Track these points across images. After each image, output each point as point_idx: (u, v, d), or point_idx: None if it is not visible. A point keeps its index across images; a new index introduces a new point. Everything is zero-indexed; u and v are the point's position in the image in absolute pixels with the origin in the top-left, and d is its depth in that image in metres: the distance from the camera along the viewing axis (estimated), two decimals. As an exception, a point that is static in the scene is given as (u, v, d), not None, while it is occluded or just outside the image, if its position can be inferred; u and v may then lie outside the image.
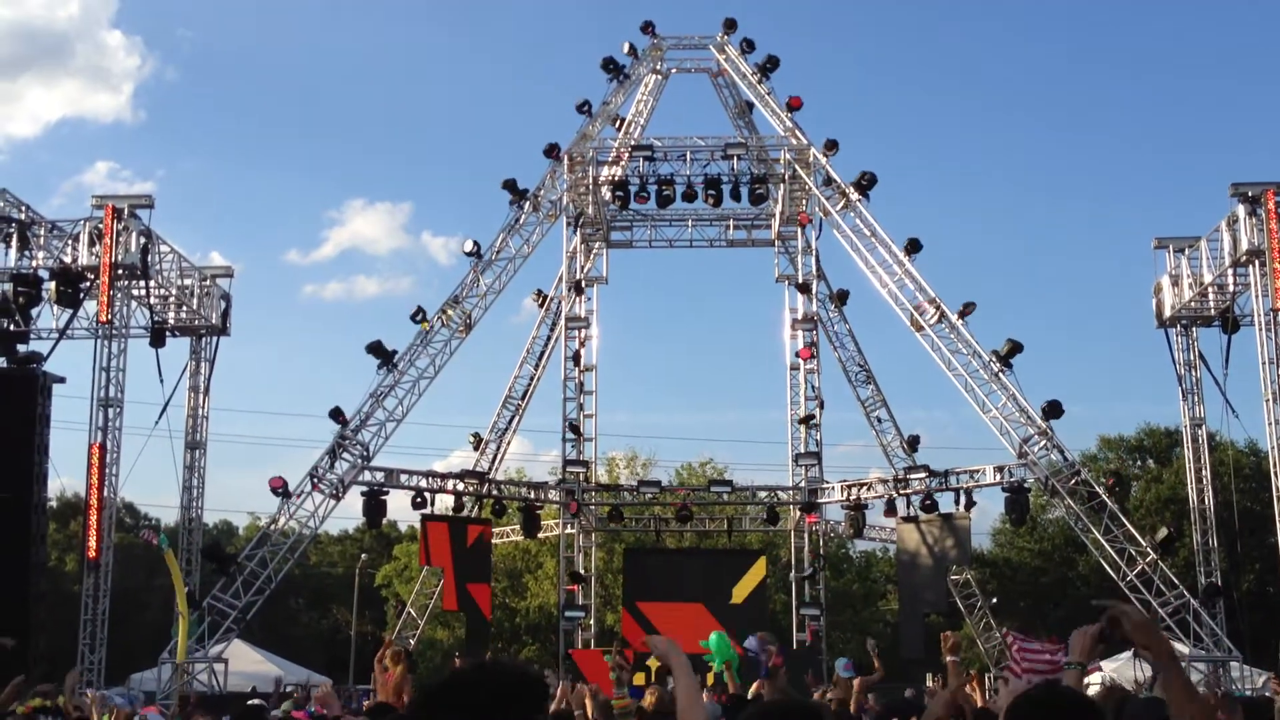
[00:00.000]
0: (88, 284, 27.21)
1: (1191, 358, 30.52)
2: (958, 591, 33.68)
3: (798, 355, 32.21)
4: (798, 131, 32.03)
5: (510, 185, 31.17)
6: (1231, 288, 28.34)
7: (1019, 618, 43.64)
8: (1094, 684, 13.39)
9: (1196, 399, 30.47)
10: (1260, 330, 26.36)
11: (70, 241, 27.42)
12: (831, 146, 31.26)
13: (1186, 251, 29.47)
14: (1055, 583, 51.31)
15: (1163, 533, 27.88)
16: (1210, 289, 28.85)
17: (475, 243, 30.80)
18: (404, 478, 29.81)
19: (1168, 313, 30.13)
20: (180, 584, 24.47)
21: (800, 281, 32.12)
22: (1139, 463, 55.27)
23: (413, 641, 32.86)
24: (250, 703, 12.88)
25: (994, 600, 36.08)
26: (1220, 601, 28.33)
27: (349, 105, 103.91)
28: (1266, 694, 22.55)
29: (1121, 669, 26.50)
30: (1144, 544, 27.05)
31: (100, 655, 26.33)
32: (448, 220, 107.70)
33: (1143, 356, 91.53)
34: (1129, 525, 27.51)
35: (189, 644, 25.38)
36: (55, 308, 27.29)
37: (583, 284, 32.66)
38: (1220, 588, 28.94)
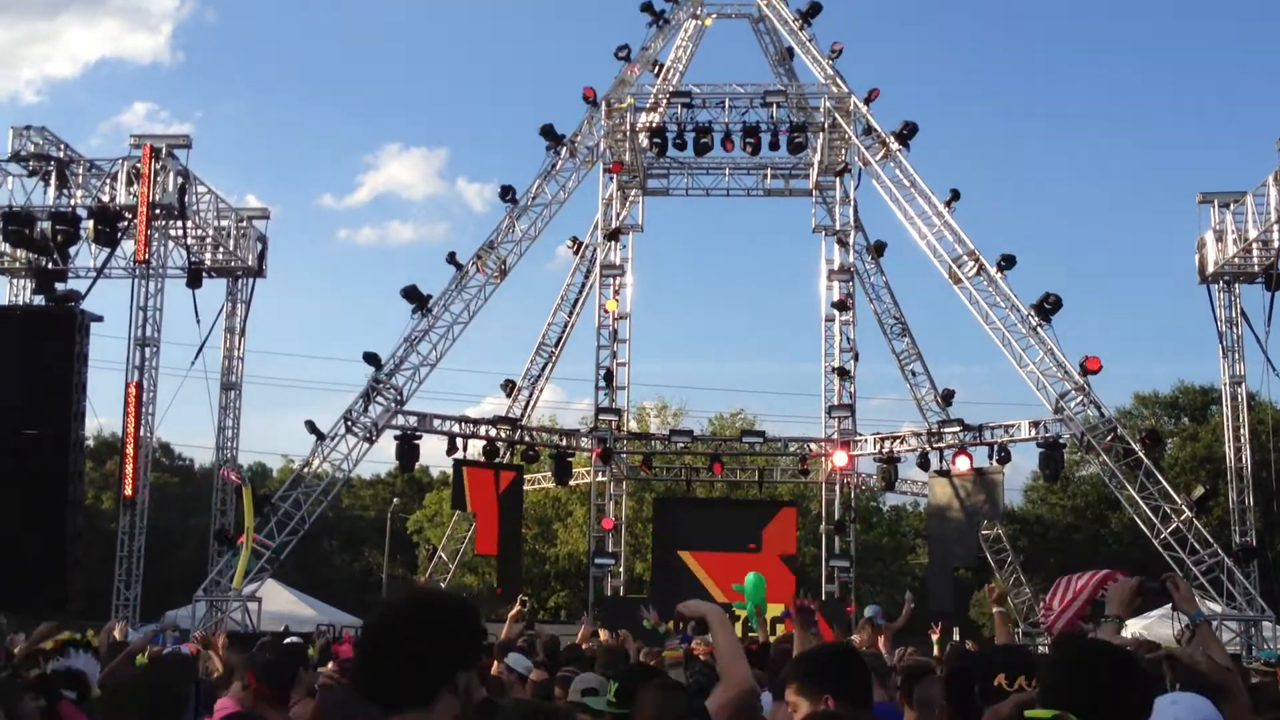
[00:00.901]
0: (125, 223, 27.29)
1: (1233, 315, 30.13)
2: (988, 547, 33.66)
3: (833, 307, 31.97)
4: (838, 79, 31.62)
5: (547, 131, 30.92)
6: (1276, 243, 27.87)
7: (1048, 574, 43.53)
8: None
9: (1237, 356, 30.12)
10: (1305, 287, 26.02)
11: (108, 181, 27.49)
12: (872, 95, 30.87)
13: (1231, 207, 29.00)
14: (1087, 540, 51.14)
15: (1199, 491, 27.68)
16: (1255, 245, 28.43)
17: (511, 187, 30.67)
18: (437, 422, 29.88)
19: (1210, 269, 29.70)
20: (250, 515, 24.66)
21: (837, 232, 31.86)
22: (1174, 421, 54.92)
23: (444, 586, 33.10)
24: (289, 640, 12.96)
25: (1023, 557, 36.05)
26: (1255, 561, 28.17)
27: (386, 49, 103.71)
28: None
29: (1153, 626, 26.39)
30: (1179, 501, 26.86)
31: (136, 592, 26.68)
32: (483, 167, 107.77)
33: (1180, 313, 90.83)
34: (1164, 483, 27.31)
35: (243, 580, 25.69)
36: (93, 246, 27.42)
37: (619, 231, 32.45)
38: (1255, 547, 28.77)
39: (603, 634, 16.81)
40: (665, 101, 31.84)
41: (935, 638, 12.02)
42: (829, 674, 4.54)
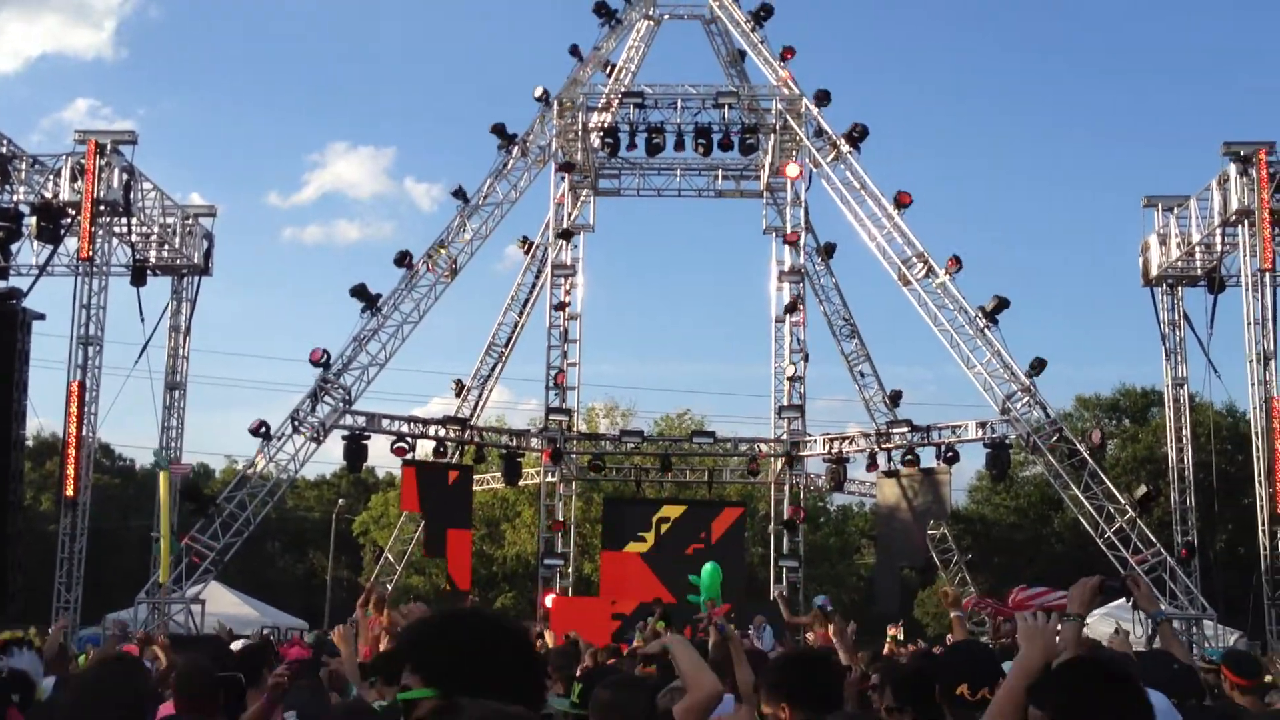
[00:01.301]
0: (69, 220, 26.83)
1: (1176, 317, 30.59)
2: (934, 546, 33.89)
3: (784, 309, 32.06)
4: (790, 81, 31.72)
5: (499, 130, 30.77)
6: (1219, 248, 28.35)
7: (993, 574, 44.00)
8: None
9: (1179, 359, 30.56)
10: (1246, 291, 26.45)
11: (52, 177, 27.01)
12: (823, 97, 30.97)
13: (1176, 210, 29.42)
14: (1030, 540, 51.75)
15: (1141, 490, 28.05)
16: (1198, 249, 28.86)
17: (460, 187, 30.55)
18: (385, 423, 29.65)
19: (1154, 271, 30.13)
20: (166, 508, 24.31)
21: (788, 233, 31.97)
22: (1115, 423, 55.64)
23: (390, 587, 32.84)
24: (242, 643, 12.78)
25: (969, 556, 36.33)
26: (1195, 561, 28.58)
27: (333, 46, 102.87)
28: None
29: (1097, 624, 26.73)
30: (1123, 501, 27.19)
31: (76, 594, 26.25)
32: (431, 166, 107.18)
33: (1123, 316, 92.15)
34: (1108, 483, 27.64)
35: (169, 575, 25.37)
36: (35, 243, 26.94)
37: (570, 232, 32.32)
38: (1195, 547, 29.20)
39: (548, 635, 16.73)
40: (617, 101, 31.78)
41: (892, 633, 12.01)
42: (787, 681, 4.58)
